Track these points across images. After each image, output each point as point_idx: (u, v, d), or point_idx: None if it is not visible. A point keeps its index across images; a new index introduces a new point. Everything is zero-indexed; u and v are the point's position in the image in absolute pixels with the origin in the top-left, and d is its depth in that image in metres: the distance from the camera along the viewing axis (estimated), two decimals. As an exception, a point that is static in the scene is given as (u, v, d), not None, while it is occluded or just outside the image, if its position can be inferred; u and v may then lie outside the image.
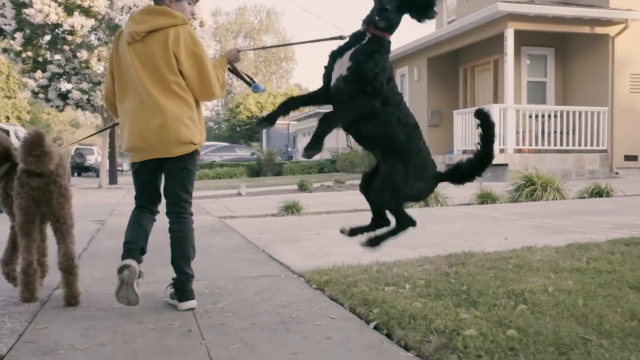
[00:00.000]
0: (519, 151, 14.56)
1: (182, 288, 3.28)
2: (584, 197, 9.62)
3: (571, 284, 3.14)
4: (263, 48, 54.85)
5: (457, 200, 9.34)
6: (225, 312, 3.16)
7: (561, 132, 14.74)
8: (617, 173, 14.79)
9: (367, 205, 3.07)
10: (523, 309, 2.68)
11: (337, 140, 33.71)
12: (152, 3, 3.49)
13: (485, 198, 9.32)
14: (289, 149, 43.12)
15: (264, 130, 45.46)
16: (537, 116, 14.76)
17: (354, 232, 3.00)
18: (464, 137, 15.61)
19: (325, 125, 2.71)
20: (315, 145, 2.68)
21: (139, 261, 3.33)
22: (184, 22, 3.36)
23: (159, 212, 3.55)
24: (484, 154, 2.92)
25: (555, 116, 14.74)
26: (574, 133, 14.71)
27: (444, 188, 9.18)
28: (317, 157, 33.29)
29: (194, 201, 3.74)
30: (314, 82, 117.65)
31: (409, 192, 2.91)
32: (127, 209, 3.80)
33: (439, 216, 7.53)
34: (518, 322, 2.52)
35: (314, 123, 36.22)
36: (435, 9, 2.74)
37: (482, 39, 15.76)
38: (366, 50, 2.72)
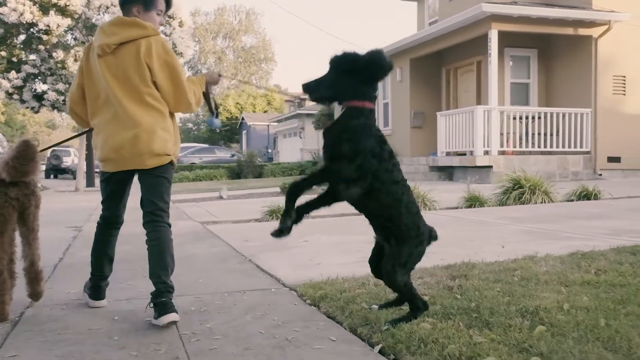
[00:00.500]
0: (503, 153, 14.46)
1: (161, 301, 3.11)
2: (572, 200, 9.50)
3: (586, 300, 2.94)
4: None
5: (445, 203, 9.16)
6: (215, 335, 2.90)
7: (545, 134, 14.67)
8: (600, 175, 14.76)
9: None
10: (542, 331, 2.46)
11: (318, 142, 33.54)
12: (121, 14, 3.45)
13: (473, 201, 9.15)
14: (269, 150, 42.84)
15: (244, 132, 45.13)
16: (521, 118, 14.69)
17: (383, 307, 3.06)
18: (448, 138, 15.47)
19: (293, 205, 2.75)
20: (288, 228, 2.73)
21: (104, 290, 3.60)
22: (155, 32, 3.35)
23: (123, 221, 3.58)
24: None
25: (539, 118, 14.67)
26: (557, 135, 14.66)
27: (432, 192, 9.03)
28: (297, 158, 33.13)
29: (175, 205, 3.62)
30: (293, 83, 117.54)
31: (413, 266, 2.93)
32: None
33: (430, 221, 7.31)
34: (540, 346, 2.30)
35: (295, 124, 36.04)
36: (386, 71, 2.76)
37: (466, 40, 15.65)
38: (335, 129, 2.74)
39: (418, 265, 2.98)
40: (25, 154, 3.18)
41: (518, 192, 9.33)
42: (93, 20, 17.64)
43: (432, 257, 4.51)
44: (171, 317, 3.04)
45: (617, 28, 14.54)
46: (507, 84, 16.01)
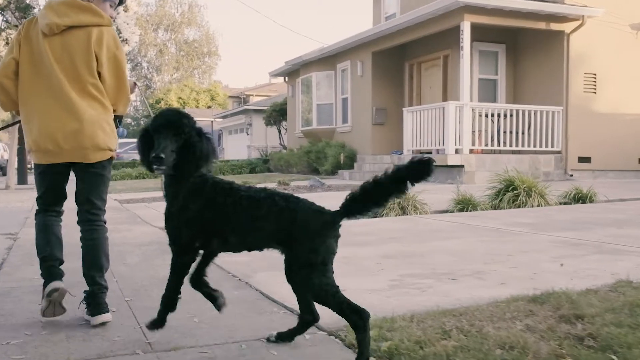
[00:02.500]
0: (474, 152, 13.72)
1: (95, 301, 3.07)
2: (570, 203, 8.78)
3: None
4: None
5: (434, 206, 8.26)
6: None
7: (516, 132, 14.01)
8: (571, 175, 14.23)
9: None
10: None
11: (266, 139, 32.37)
12: None
13: (465, 204, 8.28)
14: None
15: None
16: (492, 115, 13.97)
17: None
18: (415, 136, 14.62)
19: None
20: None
21: (62, 275, 3.20)
22: (109, 23, 3.23)
23: (64, 211, 3.35)
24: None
25: (511, 115, 13.99)
26: (529, 133, 14.03)
27: (422, 193, 8.10)
28: (244, 156, 31.82)
29: (124, 206, 3.46)
30: (236, 79, 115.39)
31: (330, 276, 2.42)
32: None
33: (433, 228, 6.38)
34: None
35: (242, 120, 34.67)
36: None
37: (432, 33, 14.85)
38: None
39: (490, 294, 1.97)
40: None
41: (512, 194, 8.52)
42: (27, 1, 15.94)
43: (488, 278, 3.54)
44: (104, 317, 3.03)
45: (590, 24, 14.02)
46: (475, 79, 15.29)
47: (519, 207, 8.33)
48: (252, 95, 47.48)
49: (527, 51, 15.24)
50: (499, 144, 13.93)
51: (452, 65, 15.55)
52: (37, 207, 3.28)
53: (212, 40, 54.64)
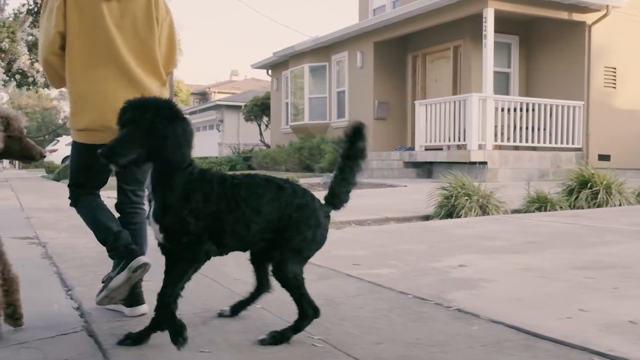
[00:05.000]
0: (498, 147, 12.87)
1: (132, 290, 2.69)
2: (648, 202, 7.94)
3: None
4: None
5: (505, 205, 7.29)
6: None
7: (538, 128, 13.22)
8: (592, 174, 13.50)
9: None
10: None
11: (238, 136, 31.05)
12: None
13: (542, 203, 7.33)
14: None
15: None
16: (515, 109, 13.13)
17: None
18: (429, 130, 13.65)
19: None
20: None
21: None
22: None
23: None
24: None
25: (533, 110, 13.19)
26: (550, 129, 13.27)
27: (501, 189, 7.10)
28: (214, 153, 30.34)
29: None
30: (199, 76, 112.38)
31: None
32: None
33: (565, 232, 5.35)
34: None
35: (213, 116, 33.17)
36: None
37: (441, 23, 13.94)
38: None
39: None
40: None
41: (589, 191, 7.62)
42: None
43: None
44: (143, 309, 2.75)
45: (611, 16, 13.36)
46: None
47: (599, 206, 7.43)
48: (215, 92, 46.15)
49: (542, 43, 14.49)
50: (520, 140, 13.11)
51: (465, 57, 14.67)
52: (77, 192, 2.88)
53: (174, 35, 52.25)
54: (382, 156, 15.06)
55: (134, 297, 2.73)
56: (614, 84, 13.93)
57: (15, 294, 2.52)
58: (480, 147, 12.41)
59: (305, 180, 12.69)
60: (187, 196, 2.23)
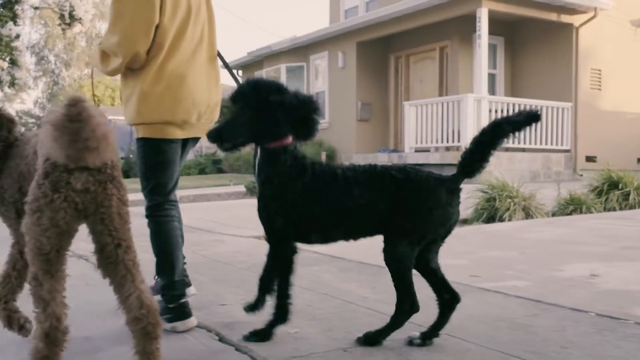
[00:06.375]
0: (492, 149, 12.69)
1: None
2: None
3: None
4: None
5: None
6: None
7: (528, 130, 13.11)
8: (581, 175, 13.53)
9: None
10: None
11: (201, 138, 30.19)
12: None
13: (577, 205, 7.12)
14: (133, 148, 38.45)
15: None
16: (503, 111, 12.99)
17: None
18: (419, 131, 13.39)
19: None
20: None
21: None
22: None
23: None
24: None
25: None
26: (540, 131, 13.21)
27: (538, 191, 6.85)
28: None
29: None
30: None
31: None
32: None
33: (633, 236, 5.10)
34: None
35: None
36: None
37: (427, 24, 13.73)
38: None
39: None
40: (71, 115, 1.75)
41: (620, 192, 7.46)
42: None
43: None
44: (191, 322, 2.56)
45: (598, 18, 13.42)
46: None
47: (632, 207, 7.28)
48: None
49: (528, 45, 14.46)
50: (513, 141, 12.99)
51: (452, 58, 14.49)
52: (153, 201, 2.65)
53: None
54: (368, 158, 14.72)
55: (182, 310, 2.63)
56: (600, 85, 14.01)
57: None
58: (475, 148, 12.21)
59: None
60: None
